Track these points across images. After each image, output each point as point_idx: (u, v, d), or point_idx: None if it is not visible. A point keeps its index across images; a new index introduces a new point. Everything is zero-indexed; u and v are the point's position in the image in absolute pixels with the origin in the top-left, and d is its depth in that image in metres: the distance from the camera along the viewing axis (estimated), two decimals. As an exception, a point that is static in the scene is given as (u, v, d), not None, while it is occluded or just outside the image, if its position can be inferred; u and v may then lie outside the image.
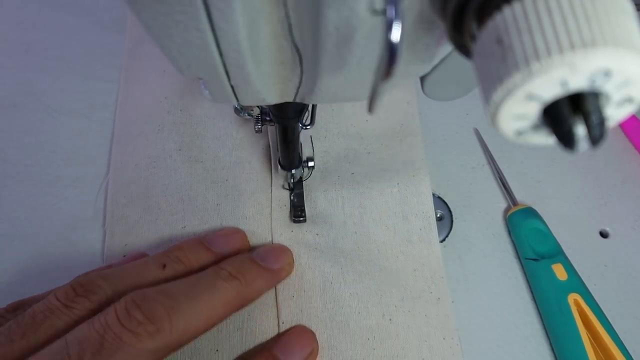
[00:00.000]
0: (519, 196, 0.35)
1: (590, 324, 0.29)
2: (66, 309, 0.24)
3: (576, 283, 0.30)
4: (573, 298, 0.30)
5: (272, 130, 0.35)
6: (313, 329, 0.29)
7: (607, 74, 0.12)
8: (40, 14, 0.42)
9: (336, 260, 0.31)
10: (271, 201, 0.33)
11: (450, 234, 0.34)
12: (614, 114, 0.13)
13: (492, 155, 0.37)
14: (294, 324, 0.29)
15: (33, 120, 0.37)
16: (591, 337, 0.29)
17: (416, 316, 0.30)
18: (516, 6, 0.12)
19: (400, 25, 0.13)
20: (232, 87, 0.20)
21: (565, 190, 0.36)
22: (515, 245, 0.33)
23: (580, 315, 0.29)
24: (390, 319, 0.30)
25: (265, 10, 0.16)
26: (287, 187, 0.34)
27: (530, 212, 0.33)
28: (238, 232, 0.32)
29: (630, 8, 0.12)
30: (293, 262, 0.31)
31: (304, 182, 0.34)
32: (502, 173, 0.36)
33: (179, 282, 0.26)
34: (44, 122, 0.37)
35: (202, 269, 0.28)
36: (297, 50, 0.18)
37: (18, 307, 0.27)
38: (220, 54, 0.17)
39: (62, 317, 0.24)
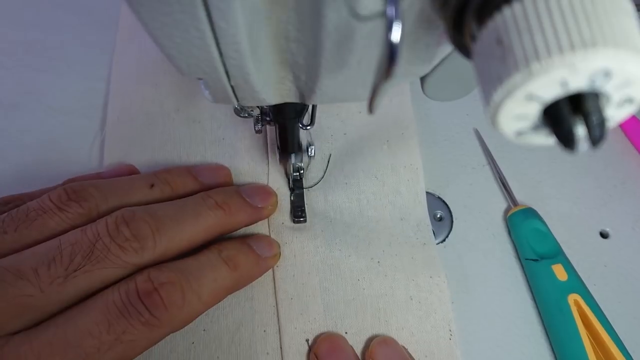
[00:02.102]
0: (519, 196, 0.35)
1: (590, 324, 0.29)
2: (59, 210, 0.25)
3: (576, 283, 0.30)
4: (573, 298, 0.30)
5: (271, 130, 0.35)
6: (306, 272, 0.31)
7: (607, 74, 0.12)
8: (40, 14, 0.42)
9: (326, 213, 0.33)
10: (268, 157, 0.34)
11: (450, 234, 0.34)
12: (614, 114, 0.13)
13: (492, 156, 0.37)
14: (287, 268, 0.31)
15: (33, 120, 0.37)
16: (591, 337, 0.29)
17: (403, 259, 0.32)
18: (516, 6, 0.12)
19: (400, 26, 0.13)
20: (232, 87, 0.20)
21: (565, 190, 0.36)
22: (515, 245, 0.33)
23: (580, 315, 0.29)
24: (378, 262, 0.31)
25: (266, 11, 0.16)
26: (286, 174, 0.34)
27: (530, 213, 0.33)
28: (224, 168, 0.33)
29: (630, 8, 0.12)
30: (277, 203, 0.32)
31: (305, 189, 0.34)
32: (502, 173, 0.36)
33: (167, 204, 0.27)
34: (44, 122, 0.37)
35: (187, 195, 0.29)
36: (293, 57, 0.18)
37: (10, 202, 0.28)
38: (220, 54, 0.17)
39: (54, 218, 0.25)
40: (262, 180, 0.34)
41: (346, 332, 0.29)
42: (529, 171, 0.37)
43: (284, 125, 0.28)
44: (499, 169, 0.36)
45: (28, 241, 0.24)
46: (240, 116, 0.29)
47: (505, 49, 0.12)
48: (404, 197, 0.34)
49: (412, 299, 0.30)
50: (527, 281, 0.32)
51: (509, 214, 0.34)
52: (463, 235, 0.34)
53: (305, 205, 0.33)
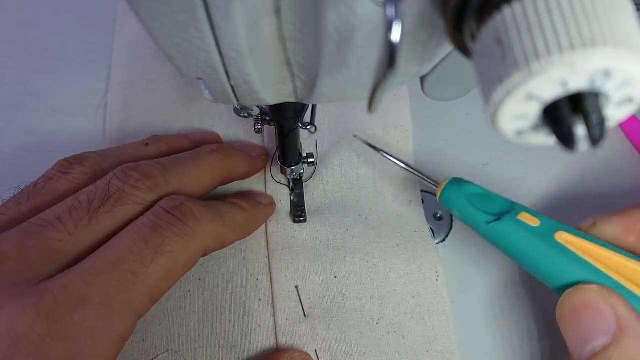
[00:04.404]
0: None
1: (597, 252, 0.25)
2: (64, 174, 0.27)
3: (553, 223, 0.26)
4: (561, 237, 0.25)
5: (271, 129, 0.35)
6: (296, 225, 0.33)
7: (607, 74, 0.12)
8: (40, 14, 0.42)
9: (318, 172, 0.35)
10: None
11: (450, 233, 0.34)
12: (614, 114, 0.13)
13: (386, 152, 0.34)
14: (279, 222, 0.33)
15: (33, 120, 0.37)
16: (605, 264, 0.24)
17: (389, 216, 0.33)
18: (516, 6, 0.12)
19: (400, 25, 0.13)
20: (232, 87, 0.20)
21: (565, 190, 0.36)
22: (465, 220, 0.29)
23: (580, 250, 0.25)
24: (365, 218, 0.33)
25: (265, 11, 0.16)
26: (286, 183, 0.34)
27: (460, 180, 0.29)
28: (213, 133, 0.35)
29: (630, 7, 0.12)
30: (267, 156, 0.34)
31: (304, 182, 0.34)
32: (406, 162, 0.33)
33: (167, 157, 0.29)
34: (44, 122, 0.37)
35: (182, 151, 0.31)
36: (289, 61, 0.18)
37: None
38: (220, 54, 0.17)
39: (62, 181, 0.26)
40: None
41: (335, 277, 0.31)
42: (529, 171, 0.37)
43: (284, 125, 0.28)
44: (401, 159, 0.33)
45: (43, 205, 0.25)
46: (240, 116, 0.29)
47: (505, 48, 0.12)
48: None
49: (398, 246, 0.32)
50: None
51: (439, 192, 0.30)
52: (463, 235, 0.34)
53: (305, 204, 0.33)
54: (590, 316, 0.22)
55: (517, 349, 0.30)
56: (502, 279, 0.33)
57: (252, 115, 0.29)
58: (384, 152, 0.33)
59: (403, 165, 0.32)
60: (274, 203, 0.33)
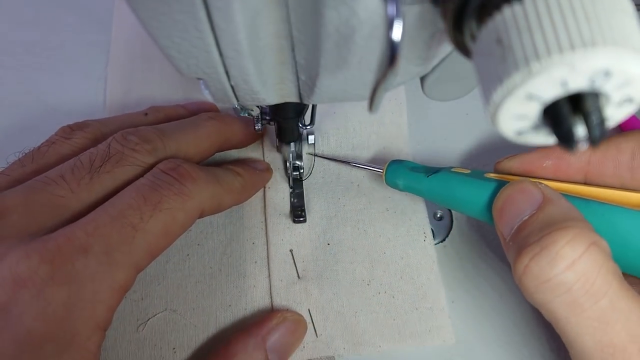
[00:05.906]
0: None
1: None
2: (66, 139, 0.28)
3: (481, 171, 0.28)
4: (491, 175, 0.27)
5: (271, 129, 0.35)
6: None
7: (607, 74, 0.12)
8: (40, 14, 0.42)
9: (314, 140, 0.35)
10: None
11: (450, 233, 0.34)
12: (614, 114, 0.13)
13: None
14: (278, 190, 0.34)
15: (33, 120, 0.37)
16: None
17: (381, 183, 0.33)
18: (516, 6, 0.12)
19: (401, 24, 0.13)
20: (232, 87, 0.20)
21: (565, 190, 0.36)
22: (409, 186, 0.31)
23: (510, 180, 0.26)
24: (358, 185, 0.34)
25: (266, 11, 0.16)
26: (288, 182, 0.34)
27: (399, 160, 0.32)
28: (211, 102, 0.35)
29: (630, 8, 0.12)
30: (266, 129, 0.35)
31: (304, 180, 0.34)
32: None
33: (165, 124, 0.30)
34: (44, 122, 0.37)
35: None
36: (295, 60, 0.18)
37: None
38: (220, 54, 0.17)
39: (64, 145, 0.27)
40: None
41: (328, 244, 0.32)
42: (529, 171, 0.37)
43: (284, 125, 0.29)
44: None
45: (46, 167, 0.26)
46: (240, 116, 0.29)
47: (505, 48, 0.12)
48: (387, 128, 0.36)
49: (387, 210, 0.33)
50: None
51: (384, 174, 0.31)
52: (463, 235, 0.34)
53: (305, 202, 0.33)
54: (521, 197, 0.24)
55: (517, 348, 0.30)
56: (502, 279, 0.33)
57: (252, 115, 0.29)
58: (332, 158, 0.35)
59: (353, 163, 0.34)
60: (271, 169, 0.34)
